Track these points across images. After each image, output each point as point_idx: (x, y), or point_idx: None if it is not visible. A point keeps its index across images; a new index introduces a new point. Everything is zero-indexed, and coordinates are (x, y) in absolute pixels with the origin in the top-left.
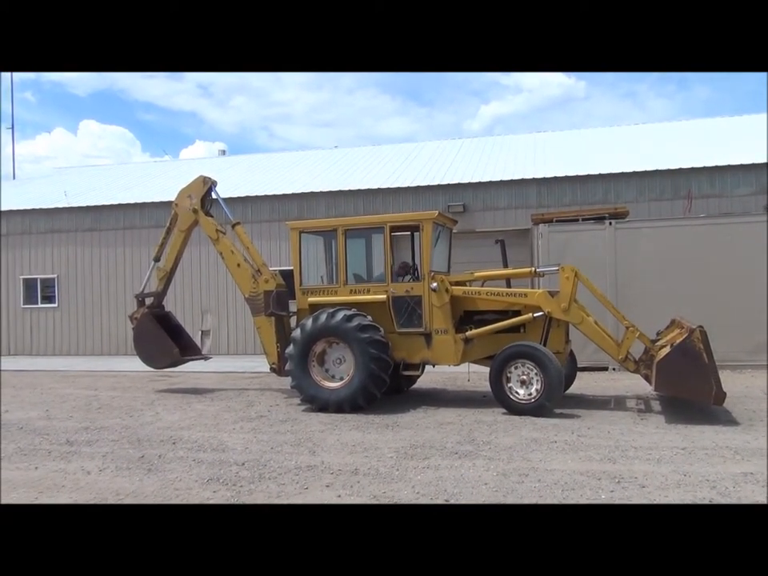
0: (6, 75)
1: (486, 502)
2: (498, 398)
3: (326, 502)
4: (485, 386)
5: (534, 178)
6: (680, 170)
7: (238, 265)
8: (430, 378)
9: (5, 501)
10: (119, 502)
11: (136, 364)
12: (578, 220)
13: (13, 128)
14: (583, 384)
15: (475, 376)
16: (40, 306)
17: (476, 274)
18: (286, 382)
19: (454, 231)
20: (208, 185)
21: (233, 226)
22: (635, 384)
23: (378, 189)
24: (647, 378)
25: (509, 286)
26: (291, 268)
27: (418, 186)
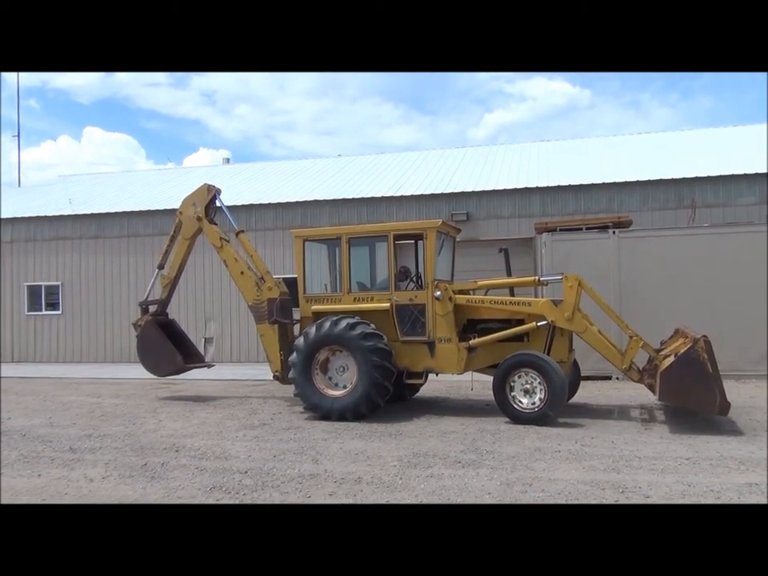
0: (12, 82)
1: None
2: (502, 407)
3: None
4: (488, 394)
5: (537, 187)
6: (684, 179)
7: (242, 272)
8: (433, 387)
9: None
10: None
11: (139, 371)
12: (581, 229)
13: (19, 135)
14: (587, 393)
15: (478, 385)
16: (44, 312)
17: (479, 283)
18: (289, 389)
19: (457, 240)
20: (212, 193)
21: (237, 234)
22: (639, 393)
23: (382, 197)
24: (651, 388)
25: (512, 294)
26: (295, 276)
27: (422, 195)
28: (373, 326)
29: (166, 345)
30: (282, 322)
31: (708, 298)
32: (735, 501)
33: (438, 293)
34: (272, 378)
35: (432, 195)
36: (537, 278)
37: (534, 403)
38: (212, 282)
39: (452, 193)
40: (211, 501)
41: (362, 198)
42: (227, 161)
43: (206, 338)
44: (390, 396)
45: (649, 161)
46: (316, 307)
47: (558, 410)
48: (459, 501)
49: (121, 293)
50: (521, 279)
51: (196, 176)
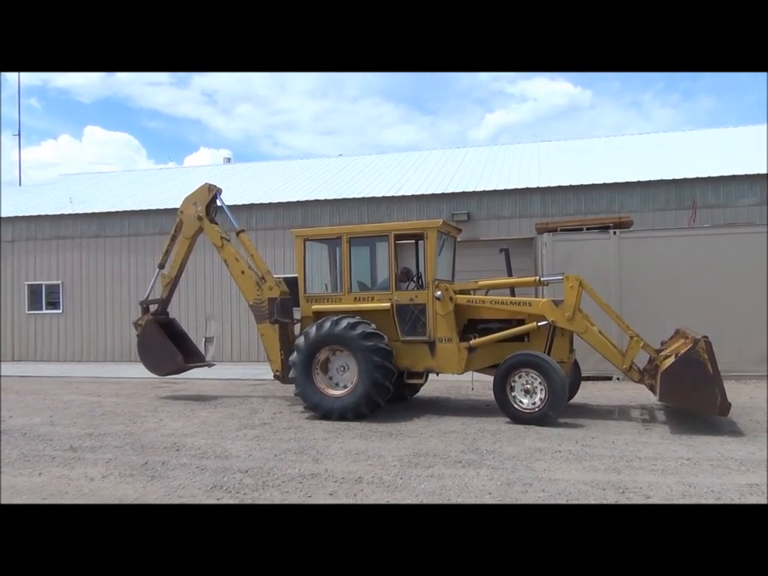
0: (13, 82)
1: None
2: (502, 407)
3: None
4: (488, 394)
5: (538, 187)
6: (684, 179)
7: (243, 272)
8: (433, 387)
9: None
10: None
11: (140, 370)
12: (582, 229)
13: (19, 134)
14: (587, 393)
15: (479, 385)
16: (44, 311)
17: (480, 283)
18: (290, 389)
19: (458, 240)
20: (213, 192)
21: (237, 234)
22: (639, 394)
23: (383, 197)
24: (651, 388)
25: (513, 294)
26: (296, 275)
27: (423, 195)
28: (373, 325)
29: (167, 344)
30: (283, 322)
31: (708, 299)
32: (736, 501)
33: (439, 293)
34: (272, 378)
35: (433, 195)
36: (537, 278)
37: (534, 403)
38: (212, 282)
39: (453, 193)
40: (212, 500)
41: (363, 198)
42: (228, 160)
43: (206, 338)
44: (390, 396)
45: (650, 161)
46: (317, 307)
47: (559, 410)
48: (459, 501)
49: (121, 292)
50: (521, 279)
51: (197, 175)
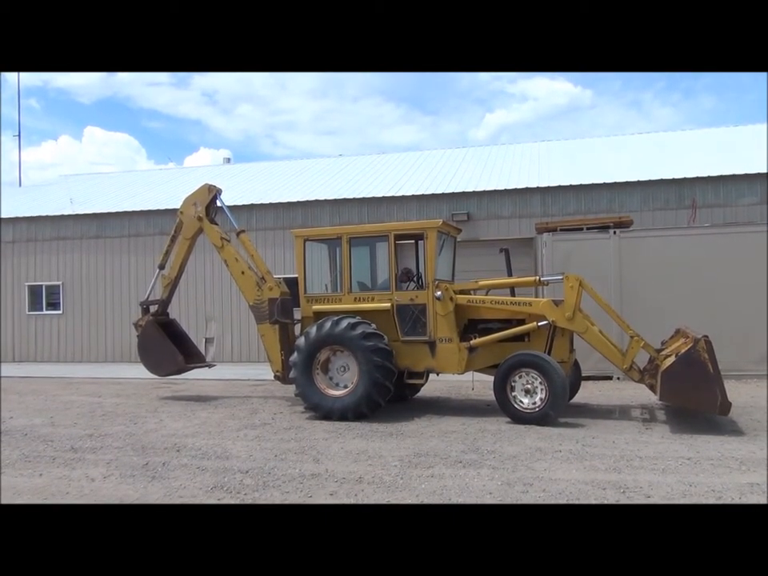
0: (13, 82)
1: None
2: (503, 406)
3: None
4: (489, 394)
5: (538, 187)
6: (685, 179)
7: (243, 272)
8: (433, 387)
9: None
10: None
11: (140, 371)
12: (582, 229)
13: (19, 135)
14: (588, 393)
15: (479, 385)
16: (45, 312)
17: (480, 283)
18: (290, 389)
19: (458, 240)
20: (213, 192)
21: (237, 234)
22: (640, 393)
23: (383, 197)
24: (652, 388)
25: (513, 294)
26: (296, 276)
27: (423, 195)
28: (374, 325)
29: (167, 345)
30: (283, 322)
31: (708, 298)
32: (736, 501)
33: (439, 293)
34: (273, 378)
35: (433, 195)
36: (537, 278)
37: (534, 403)
38: (213, 282)
39: (453, 193)
40: (212, 500)
41: (363, 198)
42: (228, 161)
43: (206, 338)
44: (390, 396)
45: (650, 161)
46: (317, 307)
47: (559, 409)
48: (460, 501)
49: (121, 293)
50: (522, 279)
51: (197, 176)
